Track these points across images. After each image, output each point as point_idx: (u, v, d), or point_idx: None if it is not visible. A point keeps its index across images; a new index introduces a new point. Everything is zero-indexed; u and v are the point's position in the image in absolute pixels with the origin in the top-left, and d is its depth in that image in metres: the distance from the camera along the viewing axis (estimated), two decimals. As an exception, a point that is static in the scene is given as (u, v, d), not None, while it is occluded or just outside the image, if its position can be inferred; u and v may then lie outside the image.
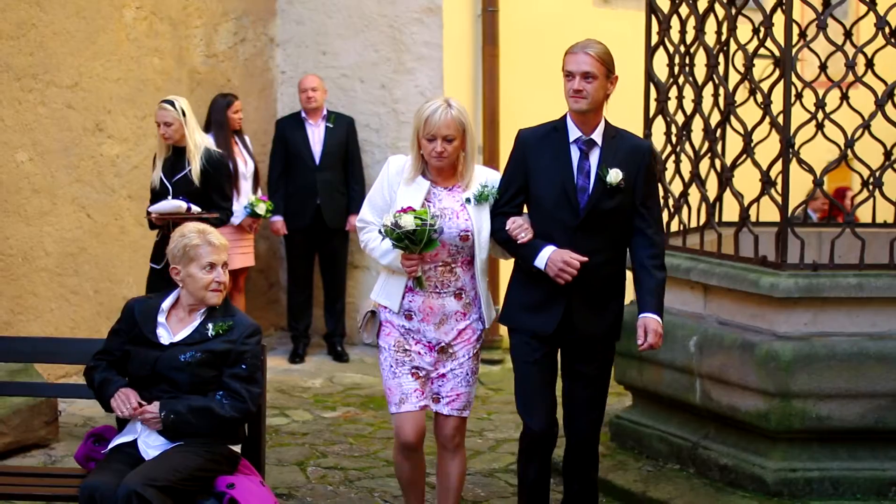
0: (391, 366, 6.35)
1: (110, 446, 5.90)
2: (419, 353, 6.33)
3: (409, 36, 11.39)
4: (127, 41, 10.41)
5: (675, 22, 8.05)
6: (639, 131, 8.08)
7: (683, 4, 7.95)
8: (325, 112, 11.30)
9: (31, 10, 9.54)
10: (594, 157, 6.10)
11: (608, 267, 6.16)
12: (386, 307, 6.37)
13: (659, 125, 8.14)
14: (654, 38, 8.15)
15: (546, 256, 6.04)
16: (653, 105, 8.18)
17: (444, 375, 6.37)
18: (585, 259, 5.98)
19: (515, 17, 11.43)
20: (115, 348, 5.95)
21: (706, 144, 7.89)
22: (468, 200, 6.28)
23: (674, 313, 7.54)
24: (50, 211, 9.75)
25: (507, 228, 6.15)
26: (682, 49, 8.03)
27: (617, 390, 8.21)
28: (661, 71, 8.15)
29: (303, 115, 11.26)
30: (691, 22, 7.94)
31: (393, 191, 6.31)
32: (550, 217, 6.14)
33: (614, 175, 6.01)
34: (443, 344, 6.33)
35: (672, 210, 8.02)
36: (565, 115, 6.16)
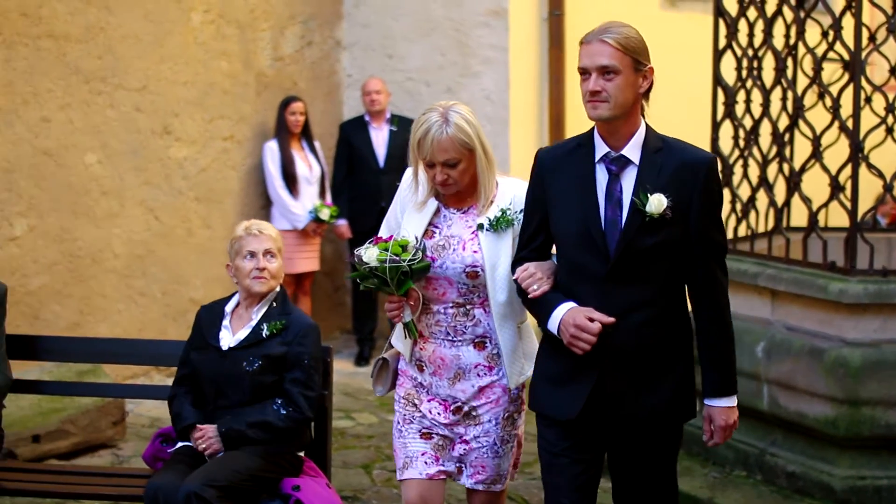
0: (398, 422, 5.34)
1: (177, 446, 5.94)
2: (431, 411, 5.27)
3: (475, 39, 11.39)
4: (194, 44, 10.47)
5: (742, 25, 8.00)
6: (706, 136, 8.04)
7: (751, 7, 7.91)
8: (388, 115, 11.31)
9: (100, 13, 9.61)
10: (629, 180, 4.67)
11: (655, 327, 4.70)
12: (401, 354, 5.38)
13: (727, 129, 8.09)
14: (722, 42, 8.11)
15: (559, 318, 4.69)
16: (720, 109, 8.14)
17: (467, 442, 5.25)
18: (611, 321, 4.59)
19: (581, 20, 11.39)
20: (188, 359, 6.01)
21: (774, 149, 7.84)
22: (480, 227, 5.11)
23: (741, 318, 7.48)
24: (118, 213, 9.82)
25: (515, 278, 4.88)
26: (750, 52, 7.98)
27: (683, 395, 8.19)
28: (728, 75, 8.10)
29: (366, 118, 11.28)
30: (759, 25, 7.90)
31: (404, 208, 5.35)
32: (572, 263, 4.77)
33: (656, 203, 4.57)
34: (459, 403, 5.23)
35: (740, 215, 7.97)
36: (593, 127, 4.79)
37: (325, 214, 10.73)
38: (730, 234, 7.97)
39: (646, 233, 4.62)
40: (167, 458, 5.97)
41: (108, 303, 9.78)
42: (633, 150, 4.70)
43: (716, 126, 8.14)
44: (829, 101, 7.32)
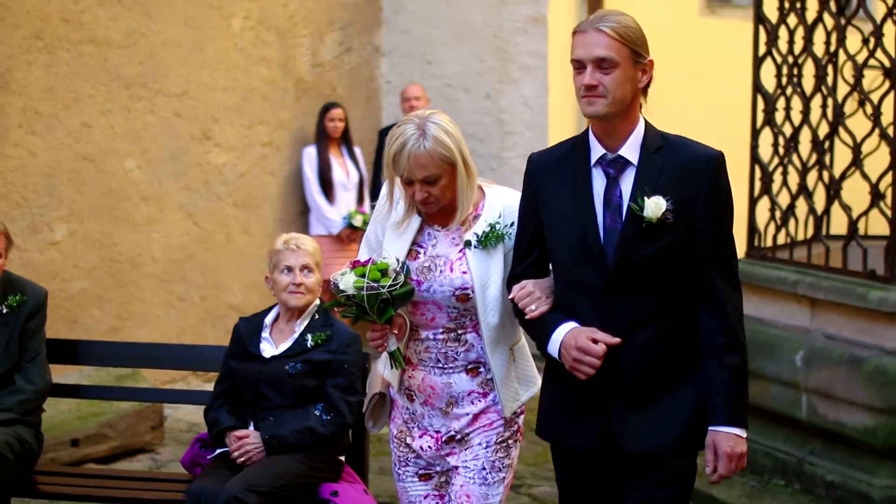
0: (395, 464, 5.00)
1: (217, 452, 5.95)
2: (423, 447, 4.86)
3: (514, 46, 11.39)
4: (234, 50, 10.50)
5: (782, 32, 7.97)
6: (746, 143, 8.01)
7: (792, 14, 7.87)
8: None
9: (141, 19, 9.66)
10: (627, 183, 4.26)
11: (662, 346, 4.28)
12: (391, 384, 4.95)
13: (766, 136, 8.06)
14: (762, 49, 8.07)
15: (559, 340, 4.28)
16: (760, 116, 8.10)
17: (456, 468, 4.82)
18: (616, 341, 4.19)
19: (621, 26, 11.37)
20: (227, 372, 6.02)
21: (814, 156, 7.79)
22: (468, 244, 4.68)
23: (780, 327, 7.46)
24: (158, 218, 9.86)
25: (511, 298, 4.45)
26: (790, 59, 7.95)
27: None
28: (768, 82, 8.07)
29: (406, 124, 11.28)
30: (799, 32, 7.86)
31: (385, 229, 4.91)
32: (569, 277, 4.36)
33: (653, 206, 4.16)
34: (452, 433, 4.81)
35: (779, 222, 7.93)
36: (588, 127, 4.43)
37: (358, 221, 10.74)
38: (768, 242, 7.95)
39: (645, 240, 4.19)
40: (205, 463, 5.99)
41: (147, 307, 9.82)
42: (631, 150, 4.27)
43: (755, 133, 8.10)
44: (869, 109, 7.28)
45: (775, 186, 8.05)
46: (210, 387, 6.24)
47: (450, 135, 4.64)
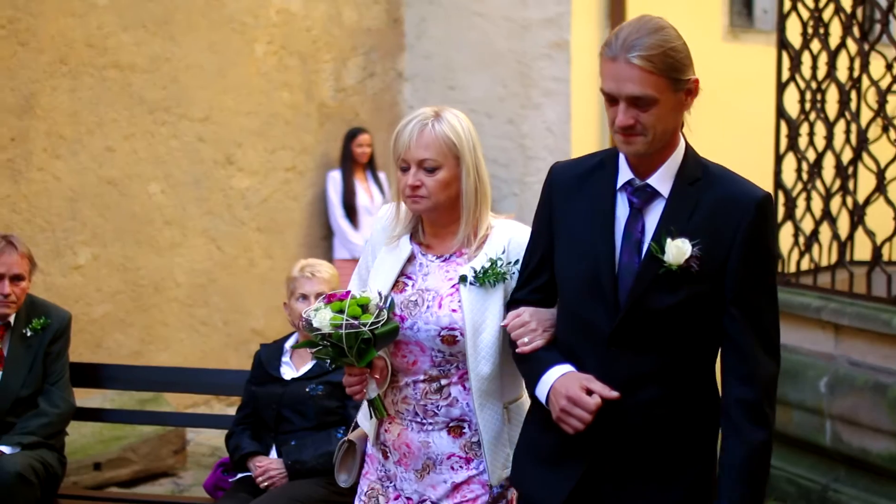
0: None
1: (238, 476, 5.96)
2: None
3: (538, 71, 11.39)
4: (257, 75, 10.53)
5: (806, 57, 7.97)
6: (769, 169, 7.99)
7: (815, 40, 7.87)
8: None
9: (165, 44, 9.69)
10: (653, 217, 3.63)
11: (669, 409, 3.66)
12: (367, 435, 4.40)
13: (790, 162, 8.04)
14: (786, 74, 8.07)
15: (549, 383, 3.68)
16: (783, 142, 8.09)
17: None
18: (614, 395, 3.57)
19: (644, 52, 11.36)
20: (248, 399, 6.02)
21: (838, 182, 7.78)
22: (463, 279, 4.08)
23: (803, 353, 7.44)
24: (181, 242, 9.88)
25: (504, 324, 3.89)
26: (814, 85, 7.94)
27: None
28: (791, 107, 8.06)
29: (430, 149, 11.29)
30: (823, 57, 7.86)
31: (375, 253, 4.37)
32: (573, 315, 3.75)
33: (675, 250, 3.52)
34: (428, 503, 4.21)
35: (803, 248, 7.91)
36: None
37: (383, 245, 10.75)
38: (792, 268, 7.93)
39: (662, 288, 3.56)
40: (228, 487, 5.99)
41: (169, 332, 9.83)
42: (662, 180, 3.63)
43: (779, 159, 8.09)
44: (893, 134, 7.28)
45: (799, 212, 8.04)
46: (232, 411, 6.25)
47: (465, 128, 4.14)
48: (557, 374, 3.67)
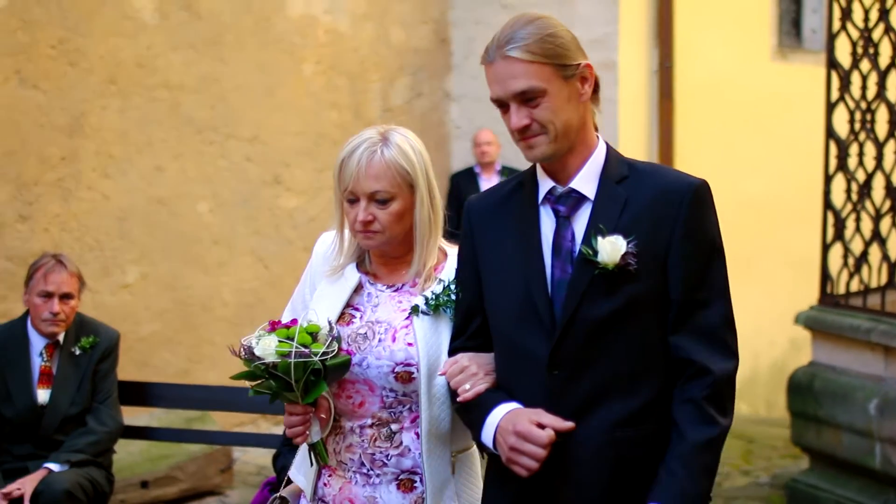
0: None
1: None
2: None
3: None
4: (305, 95, 10.57)
5: (855, 77, 7.92)
6: (818, 189, 7.95)
7: (864, 59, 7.83)
8: (498, 166, 11.33)
9: (214, 64, 9.74)
10: (581, 222, 3.33)
11: (631, 428, 3.26)
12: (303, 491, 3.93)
13: (839, 183, 8.00)
14: (835, 94, 8.02)
15: (495, 423, 3.29)
16: (833, 162, 8.04)
17: None
18: (568, 426, 3.19)
19: (691, 72, 11.36)
20: None
21: (888, 202, 7.73)
22: (415, 310, 3.69)
23: (853, 375, 7.38)
24: (228, 261, 9.91)
25: (441, 373, 3.55)
26: (864, 105, 7.89)
27: (793, 452, 8.07)
28: (841, 127, 8.01)
29: (476, 169, 11.30)
30: (873, 77, 7.81)
31: (315, 285, 3.96)
32: (510, 346, 3.39)
33: (609, 248, 3.21)
34: None
35: (852, 269, 7.86)
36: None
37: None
38: (841, 289, 7.87)
39: (598, 294, 3.23)
40: (274, 506, 5.98)
41: (217, 350, 9.85)
42: (586, 181, 3.35)
43: (828, 179, 8.04)
44: (944, 155, 7.22)
45: (848, 233, 7.98)
46: (279, 430, 6.23)
47: (416, 152, 3.78)
48: (502, 413, 3.28)
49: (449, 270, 3.75)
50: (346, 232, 3.83)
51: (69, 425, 6.22)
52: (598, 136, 3.46)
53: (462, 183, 11.35)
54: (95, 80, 8.96)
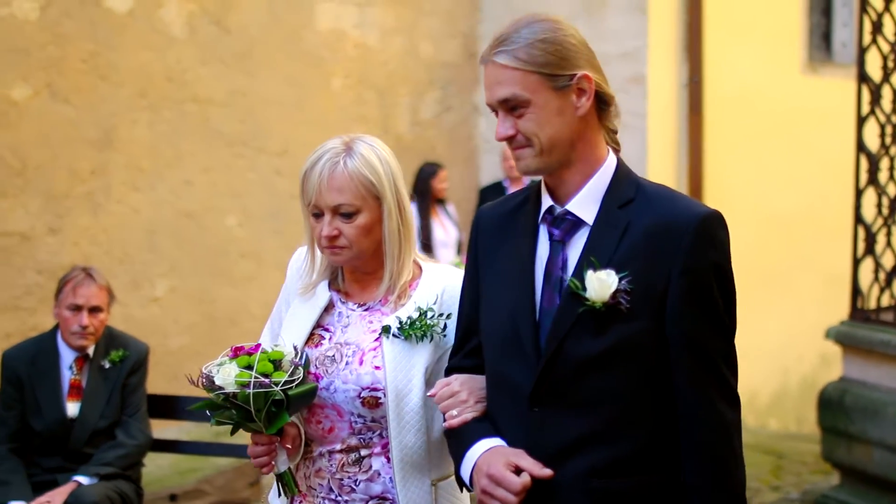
0: None
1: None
2: None
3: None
4: (334, 109, 10.58)
5: (886, 91, 7.88)
6: (849, 204, 7.92)
7: (895, 73, 7.80)
8: (527, 181, 11.31)
9: (243, 78, 9.77)
10: (576, 249, 3.07)
11: (612, 478, 3.00)
12: None
13: (870, 197, 7.96)
14: (865, 108, 7.98)
15: (473, 459, 3.09)
16: (863, 176, 8.00)
17: None
18: (546, 473, 2.97)
19: (720, 86, 11.33)
20: None
21: (919, 216, 7.69)
22: (386, 331, 3.50)
23: (884, 390, 7.34)
24: (256, 275, 9.92)
25: (431, 395, 3.32)
26: (894, 119, 7.86)
27: (823, 468, 8.02)
28: (871, 141, 7.97)
29: (505, 183, 11.29)
30: (904, 91, 7.78)
31: (289, 302, 3.83)
32: (495, 375, 3.17)
33: (597, 284, 2.94)
34: None
35: (883, 284, 7.82)
36: None
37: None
38: (872, 304, 7.83)
39: (585, 332, 2.96)
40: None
41: (245, 364, 9.87)
42: (584, 204, 3.06)
43: (859, 193, 8.01)
44: (976, 169, 7.19)
45: (879, 247, 7.94)
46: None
47: (383, 161, 3.57)
48: (482, 450, 3.06)
49: (424, 288, 3.59)
50: (313, 251, 3.70)
51: (98, 438, 6.23)
52: (609, 153, 3.14)
53: (490, 197, 11.32)
54: (125, 93, 8.99)
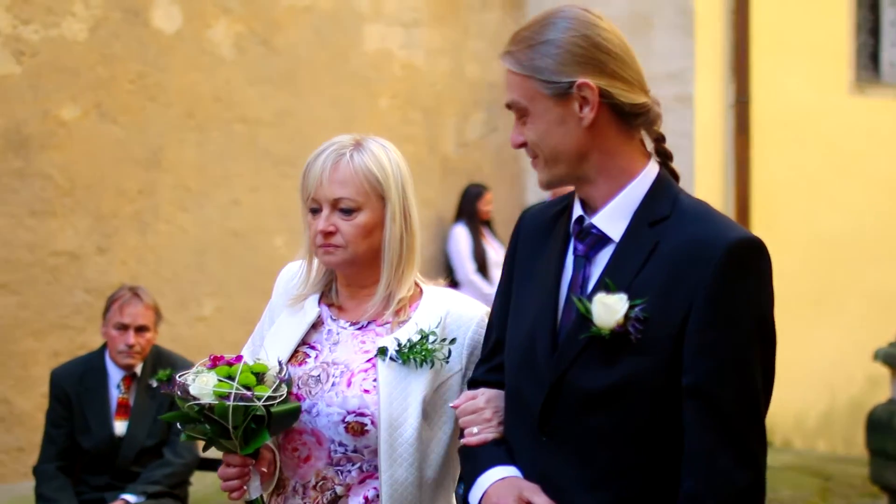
0: None
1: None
2: None
3: (661, 125, 11.33)
4: (381, 129, 10.57)
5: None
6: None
7: (945, 94, 7.76)
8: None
9: (290, 99, 9.81)
10: (599, 266, 2.79)
11: None
12: None
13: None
14: (914, 129, 7.95)
15: (484, 487, 2.81)
16: (912, 197, 7.97)
17: None
18: None
19: (768, 106, 11.28)
20: None
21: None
22: (382, 353, 3.19)
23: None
24: (303, 295, 9.94)
25: (454, 406, 3.02)
26: (944, 139, 7.82)
27: (871, 491, 7.96)
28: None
29: (551, 204, 11.29)
30: (953, 112, 7.74)
31: (273, 320, 3.49)
32: (511, 390, 2.90)
33: (604, 309, 2.65)
34: None
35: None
36: None
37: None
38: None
39: (593, 361, 2.68)
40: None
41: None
42: (612, 219, 2.78)
43: (907, 214, 7.98)
44: None
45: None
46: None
47: (392, 162, 3.36)
48: (495, 478, 2.80)
49: (425, 310, 3.28)
50: (309, 258, 3.40)
51: (146, 457, 6.25)
52: (649, 164, 2.87)
53: (536, 217, 11.33)
54: (173, 114, 9.04)
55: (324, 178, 3.23)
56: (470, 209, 10.94)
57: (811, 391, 11.10)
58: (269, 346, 3.29)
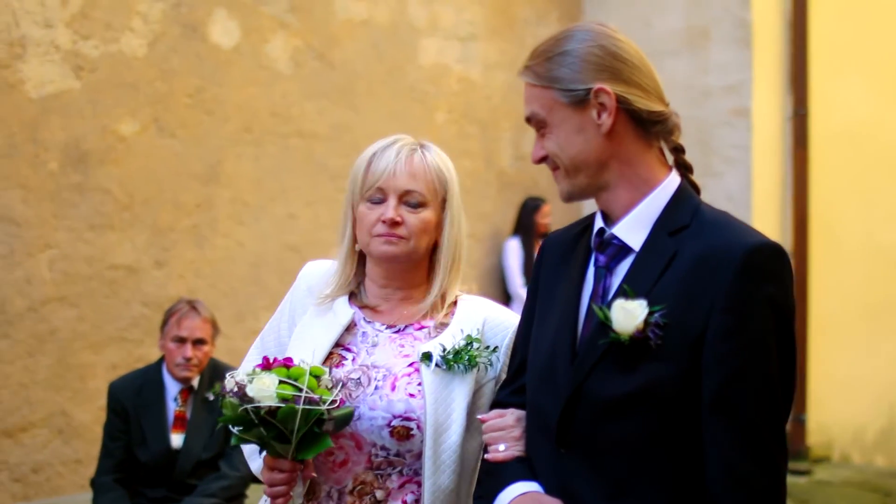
0: None
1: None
2: None
3: (718, 139, 11.29)
4: (437, 143, 10.53)
5: None
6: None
7: None
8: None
9: (347, 113, 9.83)
10: (619, 276, 2.78)
11: None
12: None
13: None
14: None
15: (505, 503, 2.80)
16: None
17: None
18: None
19: (827, 119, 11.21)
20: None
21: None
22: (426, 358, 3.14)
23: None
24: (359, 308, 9.96)
25: (481, 419, 2.99)
26: None
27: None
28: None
29: (608, 217, 11.28)
30: None
31: (295, 321, 3.43)
32: (531, 407, 2.90)
33: (624, 314, 2.64)
34: None
35: None
36: None
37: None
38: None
39: (612, 368, 2.67)
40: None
41: (347, 397, 9.90)
42: (632, 229, 2.78)
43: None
44: None
45: None
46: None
47: (451, 170, 3.40)
48: (516, 493, 2.79)
49: (463, 316, 3.25)
50: (347, 255, 3.39)
51: (202, 469, 6.28)
52: (670, 174, 2.86)
53: (593, 231, 11.32)
54: (231, 128, 9.08)
55: (398, 168, 3.23)
56: (528, 222, 10.95)
57: (870, 406, 10.99)
58: (297, 349, 3.22)
